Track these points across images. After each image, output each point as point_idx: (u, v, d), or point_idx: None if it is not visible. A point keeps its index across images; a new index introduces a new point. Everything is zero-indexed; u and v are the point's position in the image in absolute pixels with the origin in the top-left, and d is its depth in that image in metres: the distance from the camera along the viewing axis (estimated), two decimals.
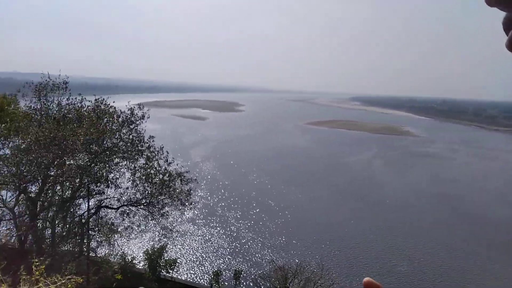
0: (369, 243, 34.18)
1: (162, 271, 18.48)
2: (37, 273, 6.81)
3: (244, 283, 23.58)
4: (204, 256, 30.19)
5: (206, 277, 26.39)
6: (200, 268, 28.30)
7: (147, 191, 17.41)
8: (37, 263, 6.60)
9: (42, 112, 17.27)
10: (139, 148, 17.35)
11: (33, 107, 17.35)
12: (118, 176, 17.05)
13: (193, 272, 27.59)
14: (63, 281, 7.40)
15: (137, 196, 17.57)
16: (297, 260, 26.38)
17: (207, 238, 33.33)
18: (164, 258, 18.63)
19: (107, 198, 17.61)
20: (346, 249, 32.74)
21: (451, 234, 37.66)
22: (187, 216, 34.52)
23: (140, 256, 21.03)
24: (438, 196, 50.39)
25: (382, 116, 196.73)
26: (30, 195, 15.83)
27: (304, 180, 53.59)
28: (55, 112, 17.38)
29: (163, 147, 18.23)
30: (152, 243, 23.16)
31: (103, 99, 17.97)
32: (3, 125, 15.20)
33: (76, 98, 17.74)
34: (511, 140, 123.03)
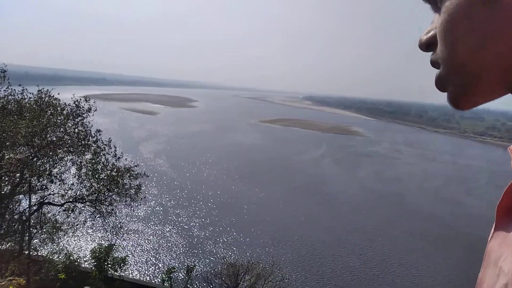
0: (319, 240, 35.26)
1: (110, 270, 17.87)
2: None
3: (196, 281, 23.44)
4: (155, 254, 29.62)
5: (157, 275, 25.92)
6: (151, 266, 27.75)
7: (93, 187, 16.76)
8: None
9: None
10: (86, 142, 16.65)
11: None
12: (63, 171, 16.27)
13: (144, 271, 27.01)
14: (2, 283, 7.00)
15: (83, 192, 16.87)
16: (248, 257, 26.67)
17: (158, 236, 32.71)
18: (112, 257, 18.00)
19: (50, 194, 16.73)
20: (297, 246, 33.55)
21: (395, 229, 39.86)
22: (138, 213, 33.67)
23: (87, 254, 20.21)
24: (383, 194, 53.10)
25: (332, 116, 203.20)
26: None
27: (257, 178, 54.11)
28: None
29: (111, 140, 17.60)
30: (100, 241, 22.34)
31: (47, 90, 17.02)
32: None
33: (16, 89, 16.68)
34: (449, 142, 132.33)
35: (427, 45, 0.65)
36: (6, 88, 16.39)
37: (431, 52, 0.65)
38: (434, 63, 0.65)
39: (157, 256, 29.31)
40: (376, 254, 33.87)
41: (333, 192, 50.70)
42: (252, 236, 34.44)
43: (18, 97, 16.47)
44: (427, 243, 36.99)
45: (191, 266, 21.66)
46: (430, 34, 0.64)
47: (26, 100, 16.47)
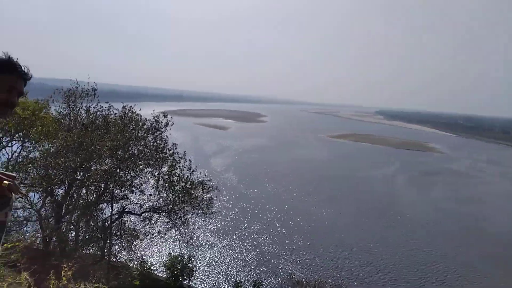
0: (391, 263, 33.17)
1: (180, 279, 18.44)
2: (64, 279, 6.85)
3: None
4: (224, 266, 30.02)
5: (225, 287, 26.24)
6: (220, 278, 28.13)
7: (169, 198, 17.52)
8: (66, 268, 6.66)
9: (71, 118, 17.77)
10: (163, 155, 17.54)
11: (63, 112, 17.90)
12: (142, 183, 17.25)
13: (212, 282, 27.45)
14: None
15: (159, 202, 17.71)
16: (315, 275, 25.96)
17: (227, 248, 33.16)
18: (184, 266, 18.59)
19: (130, 203, 17.82)
20: (367, 267, 31.88)
21: (477, 255, 36.23)
22: (209, 225, 34.56)
23: (159, 263, 21.11)
24: (463, 217, 48.76)
25: (406, 131, 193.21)
26: (56, 197, 16.20)
27: (327, 195, 52.84)
28: (83, 118, 17.87)
29: (186, 153, 18.36)
30: (173, 250, 23.21)
31: (130, 106, 18.37)
32: (34, 129, 15.69)
33: (103, 106, 18.23)
34: None
35: None
36: (96, 105, 18.02)
37: None
38: None
39: (225, 269, 29.65)
40: (453, 279, 31.02)
41: (406, 214, 47.58)
42: (320, 254, 33.48)
43: (105, 113, 17.97)
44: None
45: (259, 282, 21.60)
46: None
47: (112, 116, 17.89)
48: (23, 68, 1.72)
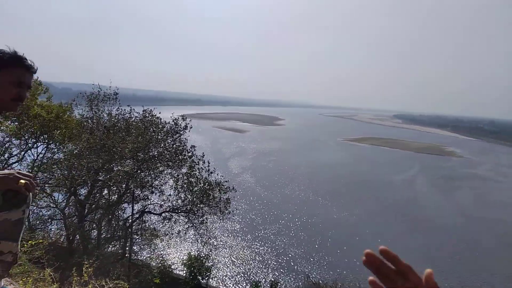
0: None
1: (199, 277, 18.76)
2: (85, 275, 7.17)
3: None
4: (241, 266, 30.25)
5: (242, 286, 26.46)
6: (236, 277, 28.35)
7: (187, 199, 17.88)
8: (87, 265, 7.01)
9: (94, 121, 18.38)
10: (182, 157, 17.92)
11: (86, 115, 18.54)
12: (162, 183, 17.67)
13: (229, 281, 27.70)
14: (110, 285, 7.71)
15: (178, 203, 18.10)
16: (333, 277, 25.92)
17: (245, 249, 33.39)
18: (202, 265, 18.92)
19: (150, 204, 18.28)
20: None
21: (504, 263, 35.39)
22: (227, 226, 34.91)
23: (178, 261, 21.48)
24: (485, 221, 47.66)
25: (425, 135, 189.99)
26: (79, 197, 16.79)
27: (345, 198, 52.49)
28: (105, 121, 18.45)
29: (204, 155, 18.72)
30: (191, 250, 23.58)
31: (150, 110, 18.85)
32: (58, 131, 16.30)
33: (125, 109, 18.78)
34: None
35: None
36: (118, 108, 18.59)
37: None
38: None
39: (242, 269, 29.85)
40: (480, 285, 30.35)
41: (428, 216, 46.88)
42: (337, 257, 33.34)
43: (127, 116, 18.51)
44: None
45: (275, 282, 21.75)
46: None
47: (133, 119, 18.42)
48: (29, 61, 1.77)
